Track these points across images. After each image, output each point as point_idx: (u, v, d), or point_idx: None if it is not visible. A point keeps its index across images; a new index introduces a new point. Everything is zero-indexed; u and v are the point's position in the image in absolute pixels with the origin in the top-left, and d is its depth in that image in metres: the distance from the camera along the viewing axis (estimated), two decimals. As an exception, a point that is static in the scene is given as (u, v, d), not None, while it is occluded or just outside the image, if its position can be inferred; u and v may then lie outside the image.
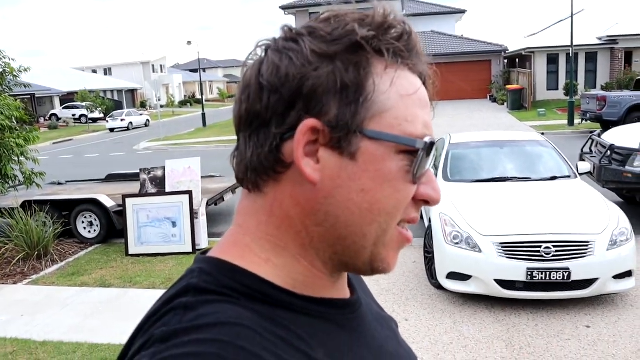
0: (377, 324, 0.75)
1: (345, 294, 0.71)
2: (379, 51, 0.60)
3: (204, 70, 68.55)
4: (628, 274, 4.54)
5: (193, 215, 6.93)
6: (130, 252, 6.98)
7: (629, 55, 26.02)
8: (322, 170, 0.60)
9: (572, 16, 20.60)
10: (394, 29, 0.61)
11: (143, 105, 52.86)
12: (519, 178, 5.69)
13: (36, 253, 6.81)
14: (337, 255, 0.64)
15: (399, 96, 0.61)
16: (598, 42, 26.09)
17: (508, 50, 31.21)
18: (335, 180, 0.60)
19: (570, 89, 19.82)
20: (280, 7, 21.04)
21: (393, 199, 0.61)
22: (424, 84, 0.67)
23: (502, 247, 4.47)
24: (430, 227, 5.20)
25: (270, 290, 0.61)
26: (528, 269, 4.35)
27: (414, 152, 0.61)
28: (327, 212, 0.61)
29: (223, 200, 8.21)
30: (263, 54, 0.63)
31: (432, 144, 0.62)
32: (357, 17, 0.61)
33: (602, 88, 23.33)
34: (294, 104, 0.59)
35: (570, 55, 21.29)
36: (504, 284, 4.46)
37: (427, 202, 0.65)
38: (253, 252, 0.64)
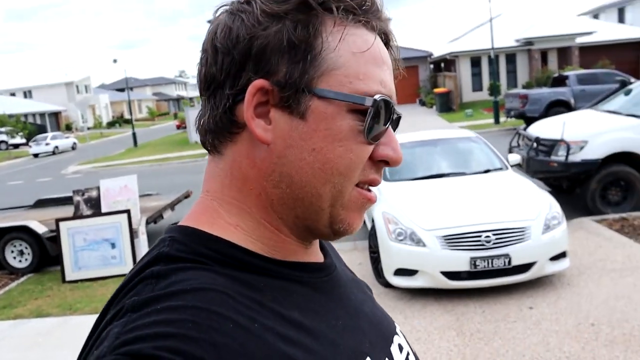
0: (353, 288, 0.75)
1: (318, 258, 0.71)
2: (328, 9, 0.60)
3: (132, 89, 66.72)
4: (562, 255, 4.80)
5: (133, 234, 6.70)
6: (67, 279, 6.64)
7: (544, 55, 27.62)
8: (274, 130, 0.60)
9: (491, 20, 21.67)
10: None
11: (69, 127, 50.72)
12: (455, 173, 5.89)
13: (-38, 288, 6.36)
14: (299, 219, 0.64)
15: (351, 54, 0.60)
16: (516, 44, 27.53)
17: (433, 55, 32.36)
18: (287, 140, 0.60)
19: (494, 89, 20.80)
20: (207, 22, 20.92)
21: (345, 159, 0.60)
22: (387, 43, 0.67)
23: (445, 239, 4.61)
24: (373, 227, 5.28)
25: (242, 255, 0.61)
26: (471, 258, 4.50)
27: (366, 111, 0.60)
28: (282, 173, 0.61)
29: (162, 218, 7.98)
30: (216, 19, 0.64)
31: (384, 101, 0.61)
32: None
33: (523, 87, 24.59)
34: (245, 65, 0.59)
35: (492, 57, 22.36)
36: (450, 275, 4.59)
37: (387, 163, 0.65)
38: (222, 218, 0.64)
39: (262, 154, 0.61)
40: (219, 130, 0.62)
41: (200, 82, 0.64)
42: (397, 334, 0.76)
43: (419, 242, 4.69)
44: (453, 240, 4.60)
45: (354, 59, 0.60)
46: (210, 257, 0.59)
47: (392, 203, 5.21)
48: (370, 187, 0.66)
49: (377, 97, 0.60)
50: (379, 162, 0.64)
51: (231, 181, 0.64)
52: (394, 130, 0.67)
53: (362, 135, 0.61)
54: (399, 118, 0.69)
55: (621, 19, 34.44)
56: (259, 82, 0.59)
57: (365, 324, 0.70)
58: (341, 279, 0.73)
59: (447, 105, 25.54)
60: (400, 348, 0.74)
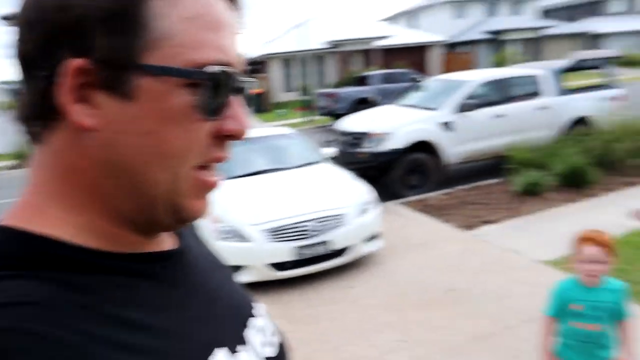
0: (210, 271, 0.71)
1: (167, 245, 0.65)
2: None
3: None
4: (376, 236, 5.26)
5: None
6: None
7: (349, 56, 29.75)
8: (100, 115, 0.52)
9: (301, 25, 22.62)
10: None
11: None
12: (276, 169, 6.06)
13: None
14: (136, 212, 0.57)
15: (184, 19, 0.53)
16: (324, 46, 29.21)
17: (246, 57, 32.75)
18: (116, 125, 0.53)
19: (305, 89, 21.84)
20: (1, 18, 18.32)
21: (183, 140, 0.54)
22: (234, 1, 0.60)
23: (270, 232, 4.74)
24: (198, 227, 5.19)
25: (72, 253, 0.53)
26: (295, 247, 4.70)
27: (201, 85, 0.54)
28: (114, 162, 0.54)
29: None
30: None
31: (223, 72, 0.55)
32: None
33: (332, 86, 26.19)
34: (59, 40, 0.51)
35: (302, 59, 23.43)
36: (276, 266, 4.74)
37: (233, 137, 0.58)
38: (47, 213, 0.55)
39: (90, 142, 0.53)
40: (36, 117, 0.54)
41: (17, 62, 0.55)
42: (253, 315, 0.72)
43: (245, 237, 4.75)
44: (277, 233, 4.75)
45: (186, 25, 0.53)
46: (32, 260, 0.51)
47: (216, 202, 5.17)
48: (212, 172, 0.60)
49: (210, 68, 0.54)
50: (223, 137, 0.58)
51: (57, 172, 0.56)
52: (246, 101, 0.61)
53: (199, 112, 0.54)
54: (244, 87, 0.60)
55: (415, 25, 38.56)
56: (75, 62, 0.50)
57: (221, 310, 0.66)
58: (196, 264, 0.67)
59: (260, 106, 26.09)
60: (260, 329, 0.71)
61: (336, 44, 28.89)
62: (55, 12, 0.50)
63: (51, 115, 0.53)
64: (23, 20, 0.53)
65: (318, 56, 29.46)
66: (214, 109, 0.56)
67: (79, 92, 0.52)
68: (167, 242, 0.65)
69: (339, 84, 25.42)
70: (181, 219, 0.59)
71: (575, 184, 6.98)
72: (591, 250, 2.27)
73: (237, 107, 0.58)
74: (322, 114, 18.47)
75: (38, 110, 0.54)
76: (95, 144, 0.53)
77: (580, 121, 8.62)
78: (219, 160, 0.59)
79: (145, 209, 0.57)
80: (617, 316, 2.32)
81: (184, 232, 0.70)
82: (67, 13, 0.50)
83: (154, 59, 0.52)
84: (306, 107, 20.68)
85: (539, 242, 5.36)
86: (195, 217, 0.60)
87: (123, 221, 0.58)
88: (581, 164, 7.04)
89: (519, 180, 6.97)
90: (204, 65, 0.54)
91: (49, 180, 0.56)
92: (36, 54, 0.52)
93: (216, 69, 0.54)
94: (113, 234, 0.57)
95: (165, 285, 0.60)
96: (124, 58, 0.51)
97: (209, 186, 0.60)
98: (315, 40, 28.49)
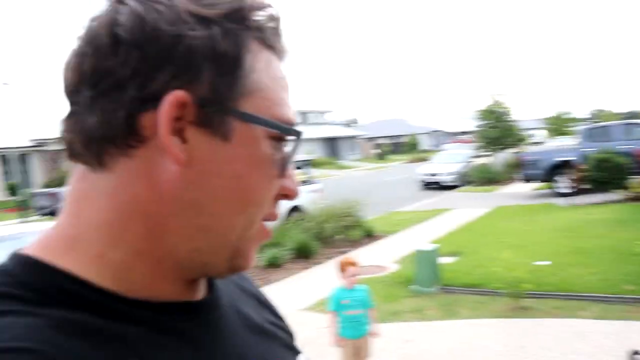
0: (245, 332, 0.65)
1: (196, 295, 0.60)
2: (257, 28, 0.54)
3: None
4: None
5: None
6: None
7: (57, 156, 27.96)
8: (190, 150, 0.50)
9: None
10: (264, 9, 0.55)
11: None
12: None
13: None
14: (196, 252, 0.54)
15: (271, 78, 0.55)
16: (30, 144, 26.95)
17: None
18: (205, 164, 0.51)
19: (18, 188, 19.88)
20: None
21: (264, 189, 0.55)
22: None
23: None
24: None
25: (87, 292, 0.50)
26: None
27: (281, 140, 0.56)
28: (192, 200, 0.52)
29: None
30: (115, 4, 0.51)
31: (300, 132, 0.57)
32: None
33: (44, 186, 24.22)
34: (161, 66, 0.49)
35: (6, 157, 21.35)
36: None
37: (286, 196, 0.60)
38: (81, 247, 0.52)
39: (168, 176, 0.51)
40: (112, 141, 0.50)
41: (79, 76, 0.51)
42: None
43: None
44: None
45: (272, 83, 0.55)
46: (47, 297, 0.48)
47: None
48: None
49: (298, 128, 0.56)
50: (279, 196, 0.59)
51: (111, 202, 0.51)
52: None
53: (276, 165, 0.56)
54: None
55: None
56: (180, 94, 0.49)
57: None
58: (225, 321, 0.62)
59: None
60: None
61: (42, 142, 27.08)
62: (170, 38, 0.49)
63: (130, 141, 0.50)
64: (108, 35, 0.49)
65: (22, 154, 27.08)
66: (285, 165, 0.57)
67: (174, 124, 0.49)
68: (197, 292, 0.60)
69: (52, 184, 23.77)
70: (235, 266, 0.58)
71: (304, 255, 8.77)
72: (352, 268, 3.88)
73: (292, 169, 0.59)
74: (43, 214, 17.15)
75: (118, 132, 0.49)
76: (174, 179, 0.51)
77: (295, 209, 10.54)
78: (272, 217, 0.59)
79: (208, 250, 0.55)
80: (367, 305, 3.90)
81: (217, 282, 0.65)
82: (182, 42, 0.49)
83: (248, 106, 0.52)
84: (22, 207, 18.81)
85: (293, 299, 6.59)
86: (247, 265, 0.59)
87: (168, 262, 0.54)
88: (305, 241, 8.92)
89: (262, 256, 8.28)
90: (286, 121, 0.55)
91: (102, 211, 0.52)
92: (128, 73, 0.49)
93: (297, 127, 0.56)
94: (143, 278, 0.53)
95: (182, 341, 0.55)
96: (225, 99, 0.51)
97: (267, 237, 0.60)
98: (19, 137, 26.28)
